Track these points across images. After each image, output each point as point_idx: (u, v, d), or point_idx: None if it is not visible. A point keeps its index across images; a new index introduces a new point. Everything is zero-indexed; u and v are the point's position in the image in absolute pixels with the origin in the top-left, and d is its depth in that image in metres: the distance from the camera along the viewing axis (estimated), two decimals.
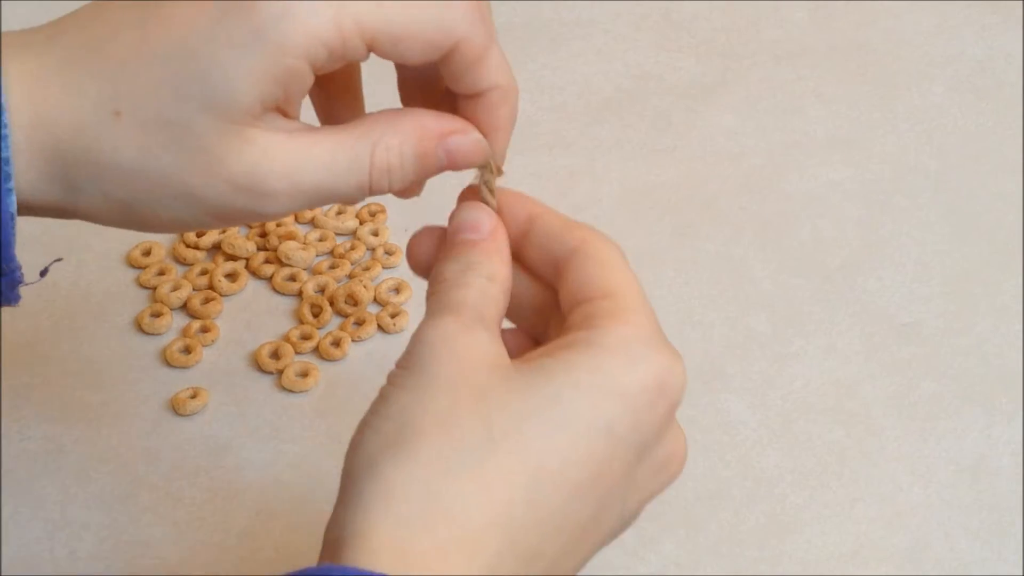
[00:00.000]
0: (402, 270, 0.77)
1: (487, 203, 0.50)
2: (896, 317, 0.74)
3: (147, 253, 0.77)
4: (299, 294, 0.75)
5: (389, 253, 0.77)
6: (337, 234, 0.78)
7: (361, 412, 0.69)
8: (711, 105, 0.87)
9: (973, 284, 0.76)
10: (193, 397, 0.69)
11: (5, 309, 0.73)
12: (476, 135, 0.49)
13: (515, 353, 0.47)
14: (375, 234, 0.78)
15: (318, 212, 0.79)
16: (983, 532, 0.65)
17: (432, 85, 0.52)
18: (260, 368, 0.71)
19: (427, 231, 0.51)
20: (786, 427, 0.69)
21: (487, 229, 0.49)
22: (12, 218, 0.47)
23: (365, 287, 0.75)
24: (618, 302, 0.47)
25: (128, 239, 0.77)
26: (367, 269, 0.76)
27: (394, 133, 0.48)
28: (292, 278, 0.76)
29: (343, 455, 0.68)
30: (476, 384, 0.44)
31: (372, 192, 0.49)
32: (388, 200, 0.80)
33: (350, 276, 0.76)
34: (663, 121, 0.86)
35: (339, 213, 0.79)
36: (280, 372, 0.71)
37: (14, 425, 0.68)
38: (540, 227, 0.49)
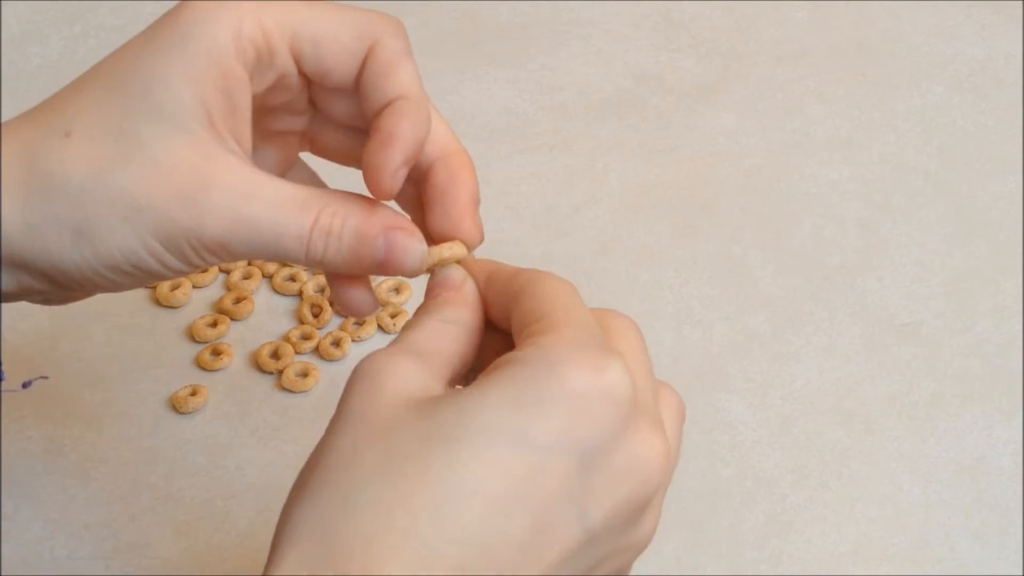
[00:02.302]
0: None
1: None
2: (896, 317, 0.74)
3: None
4: (299, 294, 0.75)
5: None
6: None
7: None
8: (711, 105, 0.87)
9: (973, 284, 0.76)
10: (193, 395, 0.69)
11: (5, 310, 0.74)
12: (421, 242, 0.49)
13: None
14: None
15: None
16: (983, 532, 0.65)
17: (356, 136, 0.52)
18: (260, 368, 0.71)
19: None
20: (786, 427, 0.69)
21: (455, 283, 0.49)
22: None
23: None
24: (547, 322, 0.45)
25: None
26: None
27: (345, 205, 0.49)
28: (292, 278, 0.76)
29: None
30: (385, 416, 0.43)
31: (308, 253, 0.48)
32: (387, 200, 0.80)
33: None
34: (663, 121, 0.86)
35: None
36: (280, 372, 0.71)
37: (14, 425, 0.68)
38: (493, 282, 0.49)
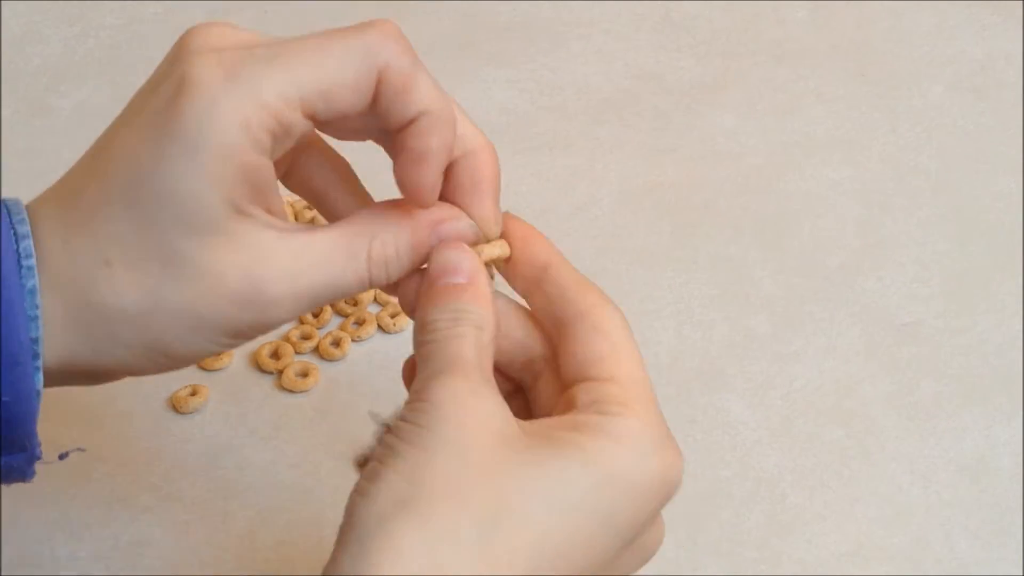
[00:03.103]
0: None
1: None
2: (896, 317, 0.74)
3: None
4: None
5: None
6: None
7: (361, 412, 0.69)
8: (711, 105, 0.87)
9: (973, 284, 0.76)
10: (193, 395, 0.69)
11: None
12: (466, 220, 0.50)
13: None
14: None
15: (318, 212, 0.79)
16: (983, 532, 0.65)
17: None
18: (260, 368, 0.71)
19: (415, 273, 0.51)
20: (786, 427, 0.69)
21: (468, 272, 0.49)
22: (38, 395, 0.47)
23: None
24: (627, 390, 0.47)
25: None
26: None
27: (388, 227, 0.49)
28: None
29: (343, 455, 0.68)
30: (486, 452, 0.45)
31: (372, 285, 0.49)
32: None
33: None
34: (663, 121, 0.86)
35: None
36: (280, 372, 0.71)
37: None
38: (553, 278, 0.50)
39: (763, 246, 0.78)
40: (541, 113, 0.86)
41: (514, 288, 0.51)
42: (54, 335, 0.47)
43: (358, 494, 0.45)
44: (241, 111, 0.46)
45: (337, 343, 0.72)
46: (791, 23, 0.93)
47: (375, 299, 0.75)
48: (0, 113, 0.84)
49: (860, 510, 0.66)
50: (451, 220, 0.50)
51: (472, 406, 0.46)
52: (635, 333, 0.74)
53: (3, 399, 0.45)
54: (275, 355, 0.71)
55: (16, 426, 0.46)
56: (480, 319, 0.48)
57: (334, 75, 0.47)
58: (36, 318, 0.46)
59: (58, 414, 0.69)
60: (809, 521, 0.65)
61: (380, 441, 0.46)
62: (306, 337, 0.72)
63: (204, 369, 0.71)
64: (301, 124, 0.47)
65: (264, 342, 0.72)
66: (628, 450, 0.46)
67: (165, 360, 0.49)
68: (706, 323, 0.74)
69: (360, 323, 0.73)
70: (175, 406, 0.69)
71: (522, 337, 0.51)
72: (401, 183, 0.49)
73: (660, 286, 0.76)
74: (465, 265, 0.49)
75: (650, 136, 0.85)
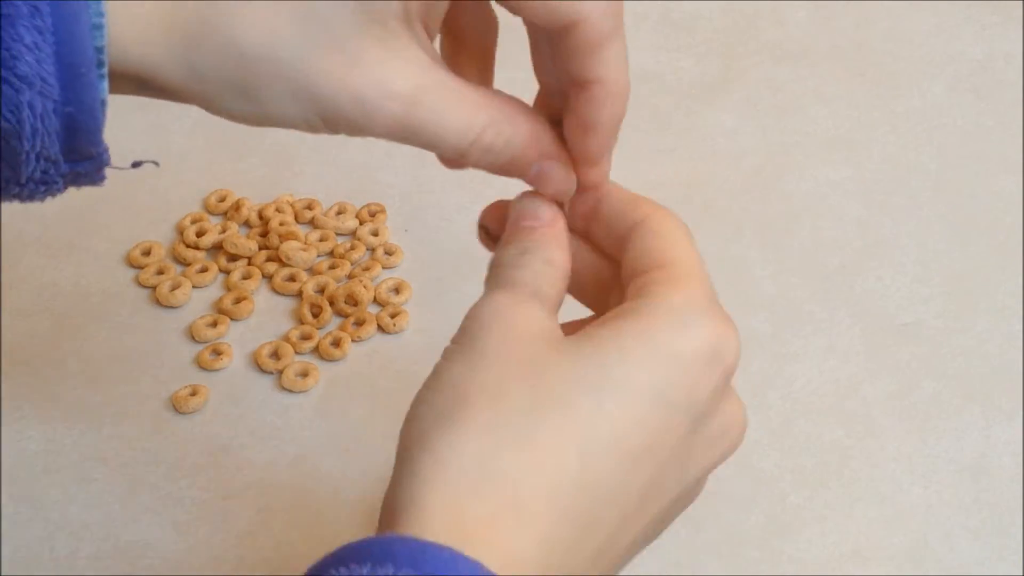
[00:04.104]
0: (402, 270, 0.77)
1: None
2: (896, 317, 0.74)
3: (147, 253, 0.77)
4: (299, 294, 0.75)
5: (389, 253, 0.77)
6: (337, 234, 0.78)
7: (362, 412, 0.70)
8: (711, 105, 0.87)
9: (973, 284, 0.76)
10: (193, 395, 0.69)
11: (5, 309, 0.74)
12: (570, 173, 0.49)
13: None
14: (375, 234, 0.78)
15: (318, 212, 0.79)
16: (983, 532, 0.65)
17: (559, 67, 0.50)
18: (260, 368, 0.71)
19: (497, 205, 0.51)
20: (786, 427, 0.69)
21: (547, 218, 0.49)
22: (103, 104, 0.45)
23: (365, 287, 0.75)
24: (672, 272, 0.47)
25: (128, 239, 0.77)
26: (367, 269, 0.76)
27: (512, 123, 0.48)
28: (292, 278, 0.76)
29: (343, 455, 0.68)
30: (525, 354, 0.45)
31: (464, 158, 0.48)
32: (388, 200, 0.80)
33: (350, 276, 0.76)
34: (663, 121, 0.86)
35: (339, 213, 0.79)
36: (280, 372, 0.71)
37: (14, 425, 0.68)
38: (607, 202, 0.50)
39: (763, 246, 0.78)
40: None
41: (575, 227, 0.51)
42: (147, 35, 0.45)
43: (405, 422, 0.45)
44: None
45: (337, 343, 0.72)
46: (791, 23, 0.93)
47: (375, 299, 0.75)
48: None
49: (860, 510, 0.66)
50: (559, 162, 0.49)
51: (514, 315, 0.46)
52: None
53: (68, 109, 0.44)
54: (275, 355, 0.71)
55: (82, 135, 0.45)
56: (548, 255, 0.48)
57: None
58: (101, 27, 0.44)
59: (58, 414, 0.69)
60: (809, 521, 0.65)
61: None
62: (306, 337, 0.72)
63: (204, 369, 0.71)
64: None
65: (265, 342, 0.72)
66: (668, 323, 0.45)
67: (250, 108, 0.47)
68: None
69: (360, 323, 0.73)
70: (175, 406, 0.69)
71: (591, 264, 0.50)
72: (571, 149, 0.49)
73: None
74: (544, 210, 0.49)
75: (650, 136, 0.85)
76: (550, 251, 0.49)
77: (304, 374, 0.71)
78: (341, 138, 0.51)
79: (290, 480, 0.67)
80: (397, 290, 0.75)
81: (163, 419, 0.69)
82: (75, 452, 0.67)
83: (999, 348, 0.73)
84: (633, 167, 0.83)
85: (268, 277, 0.76)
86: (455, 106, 0.47)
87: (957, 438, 0.69)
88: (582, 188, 0.50)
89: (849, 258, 0.77)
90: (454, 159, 0.49)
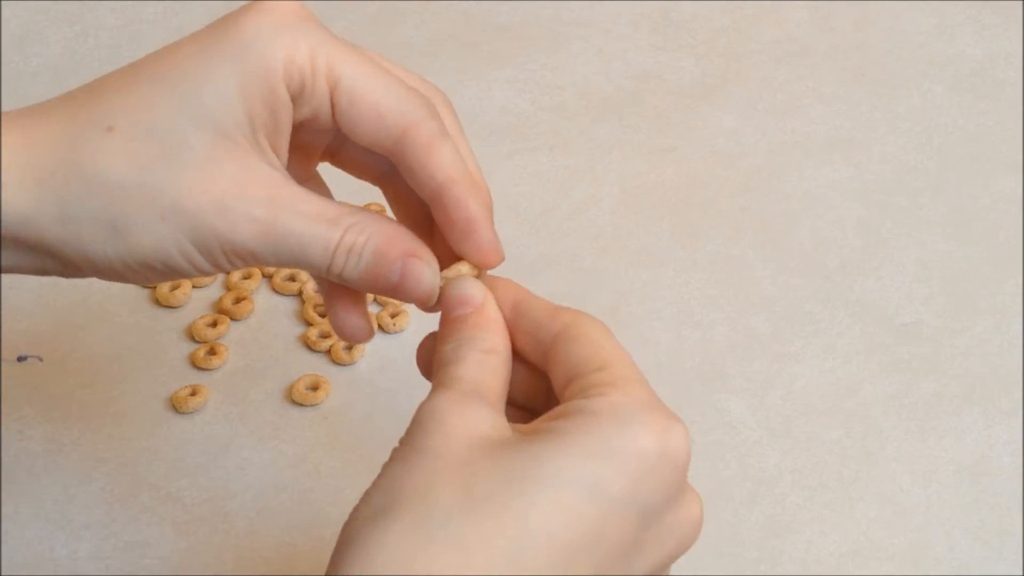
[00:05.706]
0: None
1: None
2: (896, 317, 0.74)
3: None
4: (299, 294, 0.75)
5: None
6: None
7: (361, 412, 0.70)
8: (711, 105, 0.87)
9: (973, 284, 0.76)
10: (193, 395, 0.69)
11: (5, 309, 0.74)
12: (435, 273, 0.50)
13: None
14: None
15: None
16: (983, 532, 0.65)
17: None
18: (295, 402, 0.70)
19: (431, 336, 0.51)
20: (786, 427, 0.69)
21: (476, 301, 0.49)
22: None
23: None
24: (611, 373, 0.46)
25: None
26: None
27: (372, 224, 0.49)
28: (292, 278, 0.76)
29: (343, 455, 0.68)
30: (460, 453, 0.44)
31: (330, 266, 0.49)
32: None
33: None
34: (663, 121, 0.86)
35: None
36: (291, 388, 0.71)
37: (14, 425, 0.68)
38: (525, 313, 0.50)
39: (763, 246, 0.78)
40: (541, 113, 0.86)
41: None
42: (22, 186, 0.47)
43: (347, 518, 0.45)
44: (290, 49, 0.48)
45: (349, 347, 0.72)
46: (791, 23, 0.93)
47: (375, 299, 0.75)
48: (0, 113, 0.84)
49: (860, 510, 0.66)
50: (422, 259, 0.49)
51: (451, 417, 0.45)
52: (635, 333, 0.74)
53: None
54: (314, 387, 0.71)
55: None
56: (486, 344, 0.48)
57: (370, 92, 0.49)
58: None
59: (58, 414, 0.69)
60: (809, 521, 0.65)
61: None
62: (325, 335, 0.72)
63: (204, 369, 0.71)
64: (323, 100, 0.49)
65: (273, 356, 0.72)
66: (610, 419, 0.45)
67: (123, 247, 0.48)
68: (706, 323, 0.74)
69: None
70: (175, 406, 0.69)
71: (519, 375, 0.50)
72: (453, 243, 0.50)
73: (660, 286, 0.76)
74: (472, 295, 0.50)
75: (650, 136, 0.85)
76: (485, 339, 0.49)
77: (315, 387, 0.70)
78: None
79: (290, 480, 0.67)
80: None
81: (163, 419, 0.69)
82: (75, 452, 0.67)
83: (999, 348, 0.73)
84: (633, 167, 0.83)
85: (268, 277, 0.76)
86: (315, 210, 0.49)
87: (957, 438, 0.69)
88: (496, 299, 0.50)
89: (849, 258, 0.77)
90: (321, 271, 0.49)
